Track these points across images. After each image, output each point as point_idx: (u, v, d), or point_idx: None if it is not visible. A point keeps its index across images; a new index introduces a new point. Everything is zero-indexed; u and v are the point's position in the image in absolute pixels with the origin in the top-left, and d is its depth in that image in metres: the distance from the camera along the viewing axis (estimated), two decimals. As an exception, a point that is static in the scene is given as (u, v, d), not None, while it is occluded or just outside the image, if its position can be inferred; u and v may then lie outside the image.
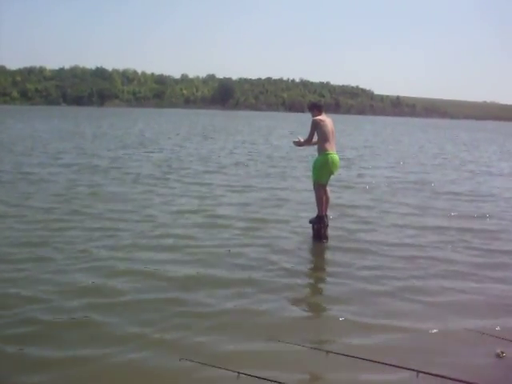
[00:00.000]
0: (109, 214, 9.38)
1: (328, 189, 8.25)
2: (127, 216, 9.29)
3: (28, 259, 6.75)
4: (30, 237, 7.76)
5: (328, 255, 7.68)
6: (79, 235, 7.92)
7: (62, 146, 22.40)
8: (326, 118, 8.13)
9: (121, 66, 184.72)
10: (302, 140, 8.34)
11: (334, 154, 8.00)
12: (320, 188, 8.11)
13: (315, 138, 8.17)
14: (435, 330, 5.07)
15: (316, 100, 8.54)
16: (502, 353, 4.49)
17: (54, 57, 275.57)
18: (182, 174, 15.23)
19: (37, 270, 6.34)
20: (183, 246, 7.61)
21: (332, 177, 8.30)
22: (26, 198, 10.62)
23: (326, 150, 7.95)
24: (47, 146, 22.57)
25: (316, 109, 8.21)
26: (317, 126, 8.01)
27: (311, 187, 8.45)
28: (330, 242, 8.05)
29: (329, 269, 7.13)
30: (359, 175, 16.18)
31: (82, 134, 31.64)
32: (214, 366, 3.81)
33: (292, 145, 8.73)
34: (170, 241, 7.83)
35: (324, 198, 8.10)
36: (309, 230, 8.29)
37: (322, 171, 8.04)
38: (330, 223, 8.28)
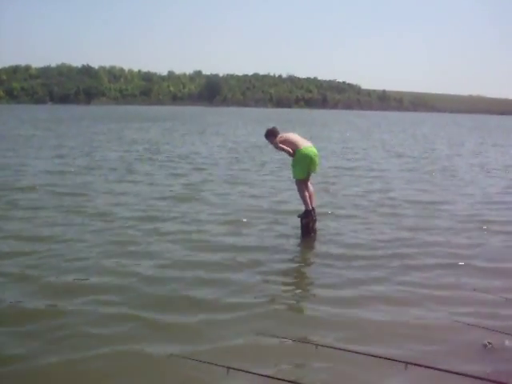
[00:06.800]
0: None
1: (309, 183, 8.31)
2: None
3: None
4: None
5: (316, 248, 7.71)
6: None
7: None
8: (282, 134, 8.32)
9: (107, 63, 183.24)
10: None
11: (308, 148, 8.12)
12: (301, 183, 8.18)
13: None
14: (423, 321, 5.11)
15: (269, 128, 8.54)
16: (489, 343, 4.52)
17: (40, 55, 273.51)
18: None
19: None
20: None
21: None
22: None
23: (298, 147, 8.10)
24: None
25: (272, 135, 8.34)
26: (282, 143, 8.15)
27: None
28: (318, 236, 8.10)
29: (317, 262, 7.13)
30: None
31: None
32: (203, 362, 3.80)
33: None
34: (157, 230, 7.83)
35: (307, 193, 8.16)
36: (297, 223, 8.30)
37: (300, 166, 8.11)
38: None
